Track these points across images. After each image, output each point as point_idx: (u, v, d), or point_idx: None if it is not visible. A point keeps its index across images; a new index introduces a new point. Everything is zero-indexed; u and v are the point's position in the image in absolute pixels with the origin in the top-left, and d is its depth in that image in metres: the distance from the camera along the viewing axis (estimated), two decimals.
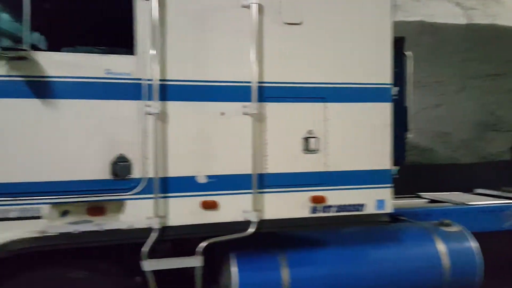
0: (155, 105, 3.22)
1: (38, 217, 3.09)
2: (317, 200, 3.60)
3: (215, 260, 3.77)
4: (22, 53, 3.01)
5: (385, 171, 3.78)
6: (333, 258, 3.80)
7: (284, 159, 3.55)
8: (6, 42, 3.21)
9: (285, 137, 3.55)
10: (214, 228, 3.43)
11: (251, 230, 3.42)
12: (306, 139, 3.58)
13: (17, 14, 3.34)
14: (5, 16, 3.43)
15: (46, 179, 3.09)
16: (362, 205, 3.71)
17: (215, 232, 3.45)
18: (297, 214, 3.58)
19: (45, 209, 3.10)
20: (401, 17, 7.95)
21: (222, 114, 3.42)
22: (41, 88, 3.07)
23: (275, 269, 3.60)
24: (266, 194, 3.51)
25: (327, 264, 3.75)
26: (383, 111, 3.77)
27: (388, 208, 3.79)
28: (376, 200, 3.75)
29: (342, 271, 3.74)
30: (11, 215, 3.06)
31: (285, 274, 3.58)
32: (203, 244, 3.39)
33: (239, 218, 3.46)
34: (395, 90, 4.26)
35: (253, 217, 3.42)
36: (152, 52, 3.21)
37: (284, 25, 3.52)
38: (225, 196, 3.44)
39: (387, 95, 3.80)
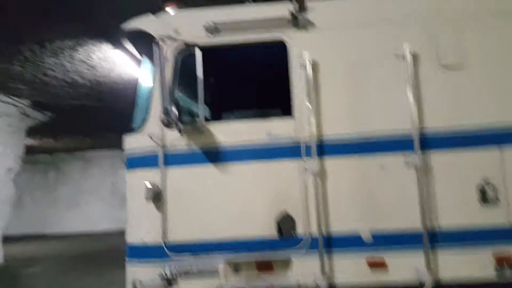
0: (313, 163, 3.31)
1: (215, 273, 3.36)
2: (503, 259, 3.17)
3: None
4: (198, 126, 3.45)
5: None
6: None
7: (457, 212, 3.26)
8: (184, 117, 3.72)
9: (456, 187, 3.28)
10: None
11: None
12: (482, 189, 3.24)
13: (190, 91, 3.87)
14: (180, 94, 4.01)
15: (221, 237, 3.37)
16: None
17: None
18: (479, 274, 3.19)
19: (221, 265, 3.36)
20: None
21: (382, 166, 3.34)
22: (215, 155, 3.44)
23: None
24: (439, 252, 3.23)
25: None
26: None
27: None
28: None
29: None
30: (192, 270, 3.38)
31: None
32: None
33: (411, 278, 3.23)
34: None
35: (427, 277, 3.16)
36: (309, 113, 3.36)
37: (444, 68, 3.37)
38: (393, 254, 3.27)
39: None
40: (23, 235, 20.50)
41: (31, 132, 14.35)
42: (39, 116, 13.17)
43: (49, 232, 21.64)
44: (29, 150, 16.24)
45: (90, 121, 14.72)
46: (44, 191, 22.53)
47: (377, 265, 3.26)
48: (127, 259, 3.55)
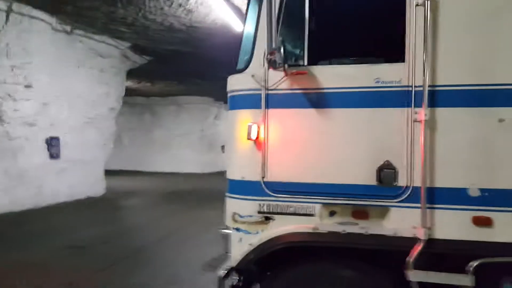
0: (424, 112, 3.13)
1: (310, 215, 3.43)
2: None
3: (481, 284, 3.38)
4: (302, 69, 3.40)
5: None
6: None
7: None
8: (289, 60, 3.67)
9: None
10: (486, 247, 3.10)
11: None
12: None
13: (296, 33, 3.79)
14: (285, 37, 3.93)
15: (319, 181, 3.39)
16: None
17: (487, 251, 3.09)
18: None
19: (317, 208, 3.41)
20: None
21: (501, 120, 3.06)
22: (317, 99, 3.40)
23: None
24: None
25: None
26: None
27: None
28: None
29: None
30: (289, 210, 3.48)
31: None
32: (475, 263, 3.09)
33: None
34: None
35: None
36: (423, 58, 3.13)
37: None
38: (502, 213, 3.06)
39: None
40: (121, 170, 22.63)
41: (130, 74, 15.35)
42: (138, 59, 13.99)
43: (143, 170, 23.65)
44: (128, 92, 17.46)
45: (184, 67, 15.33)
46: (141, 131, 24.43)
47: (483, 222, 3.08)
48: (227, 194, 3.74)
